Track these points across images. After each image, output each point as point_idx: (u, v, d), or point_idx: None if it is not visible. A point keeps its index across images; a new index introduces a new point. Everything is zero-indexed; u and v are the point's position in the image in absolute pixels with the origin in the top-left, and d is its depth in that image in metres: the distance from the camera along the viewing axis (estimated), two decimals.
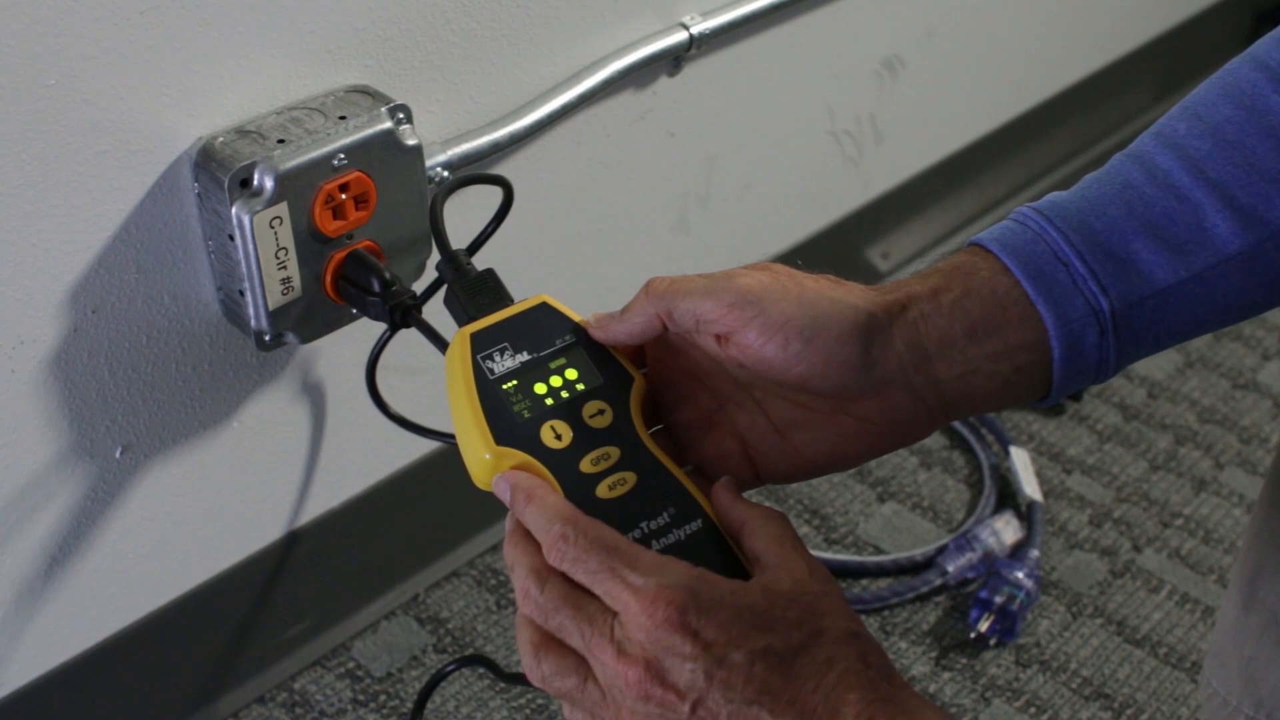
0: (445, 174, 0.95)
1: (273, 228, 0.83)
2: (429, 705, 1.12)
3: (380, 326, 0.88)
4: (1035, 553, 1.24)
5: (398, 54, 0.92)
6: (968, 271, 0.62)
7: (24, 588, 0.91)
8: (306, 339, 0.90)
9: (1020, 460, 1.35)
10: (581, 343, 0.64)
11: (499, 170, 1.02)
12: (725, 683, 0.52)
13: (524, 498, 0.58)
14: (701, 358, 0.64)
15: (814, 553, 1.11)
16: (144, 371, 0.89)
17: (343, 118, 0.86)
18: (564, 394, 0.62)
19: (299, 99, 0.88)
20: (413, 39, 0.93)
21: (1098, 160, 0.65)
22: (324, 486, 1.08)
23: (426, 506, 1.18)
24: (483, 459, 0.60)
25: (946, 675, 1.17)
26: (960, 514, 1.32)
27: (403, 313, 0.84)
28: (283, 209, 0.82)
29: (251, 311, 0.86)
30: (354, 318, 0.91)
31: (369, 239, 0.88)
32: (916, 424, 0.62)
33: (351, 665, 1.15)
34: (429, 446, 1.14)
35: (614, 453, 0.61)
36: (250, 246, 0.82)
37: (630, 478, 0.60)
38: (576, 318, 0.65)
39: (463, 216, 0.87)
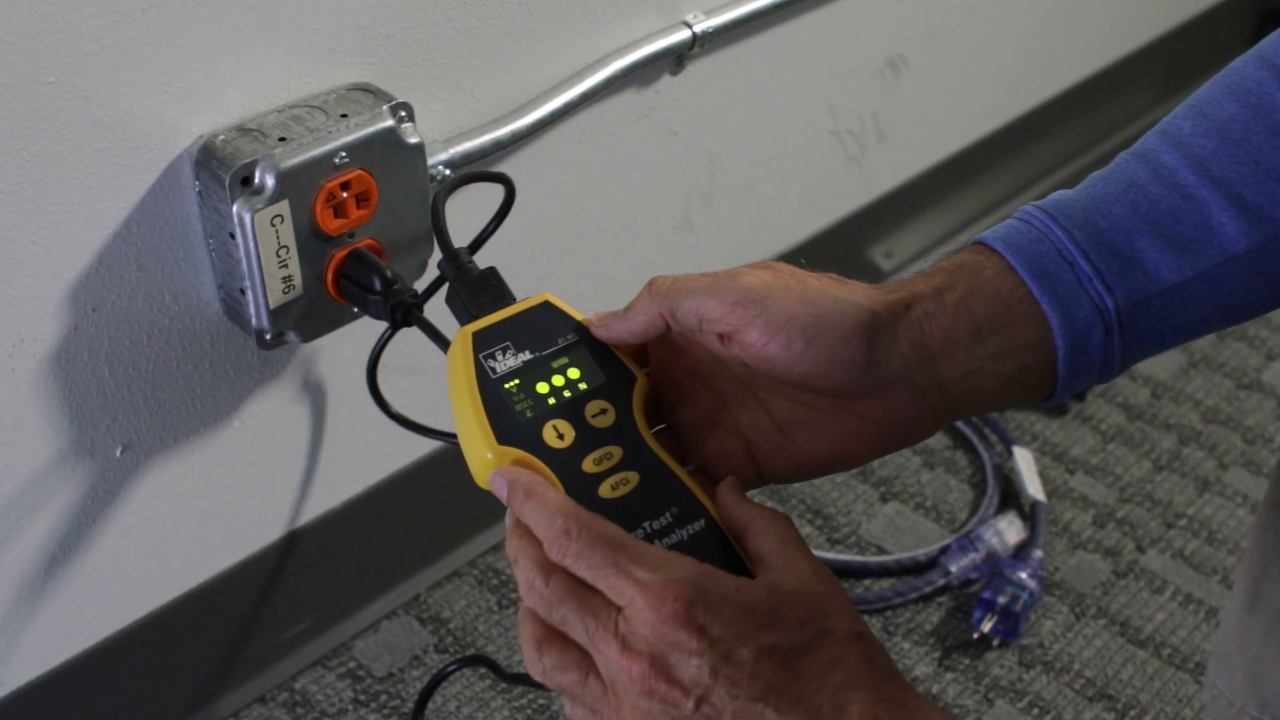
0: (447, 172, 0.95)
1: (274, 226, 0.82)
2: (430, 705, 1.11)
3: (381, 325, 0.88)
4: (1038, 553, 1.24)
5: (399, 52, 0.92)
6: (972, 270, 0.62)
7: (24, 587, 0.90)
8: (307, 338, 0.90)
9: (1023, 460, 1.34)
10: (584, 342, 0.64)
11: (501, 169, 1.01)
12: (730, 679, 0.52)
13: (523, 493, 0.58)
14: (704, 357, 0.64)
15: (816, 553, 1.10)
16: (145, 370, 0.89)
17: (344, 116, 0.85)
18: (566, 393, 0.62)
19: (300, 97, 0.87)
20: (415, 37, 0.92)
21: (1101, 160, 0.65)
22: (325, 486, 1.08)
23: (428, 506, 1.18)
24: (484, 458, 0.60)
25: (949, 676, 1.17)
26: (963, 514, 1.32)
27: (404, 311, 0.84)
28: (284, 207, 0.82)
29: (252, 310, 0.86)
30: (355, 316, 0.91)
31: (370, 237, 0.88)
32: (920, 424, 0.62)
33: (352, 665, 1.14)
34: (430, 446, 1.14)
35: (616, 452, 0.61)
36: (251, 245, 0.82)
37: (633, 477, 0.60)
38: (579, 316, 0.65)
39: (464, 215, 0.87)
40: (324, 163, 0.83)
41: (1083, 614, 1.23)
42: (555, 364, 0.63)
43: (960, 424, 1.39)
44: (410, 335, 0.86)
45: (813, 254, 1.41)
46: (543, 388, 0.62)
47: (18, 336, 0.81)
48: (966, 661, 1.18)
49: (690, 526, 0.59)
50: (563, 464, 0.60)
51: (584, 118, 1.08)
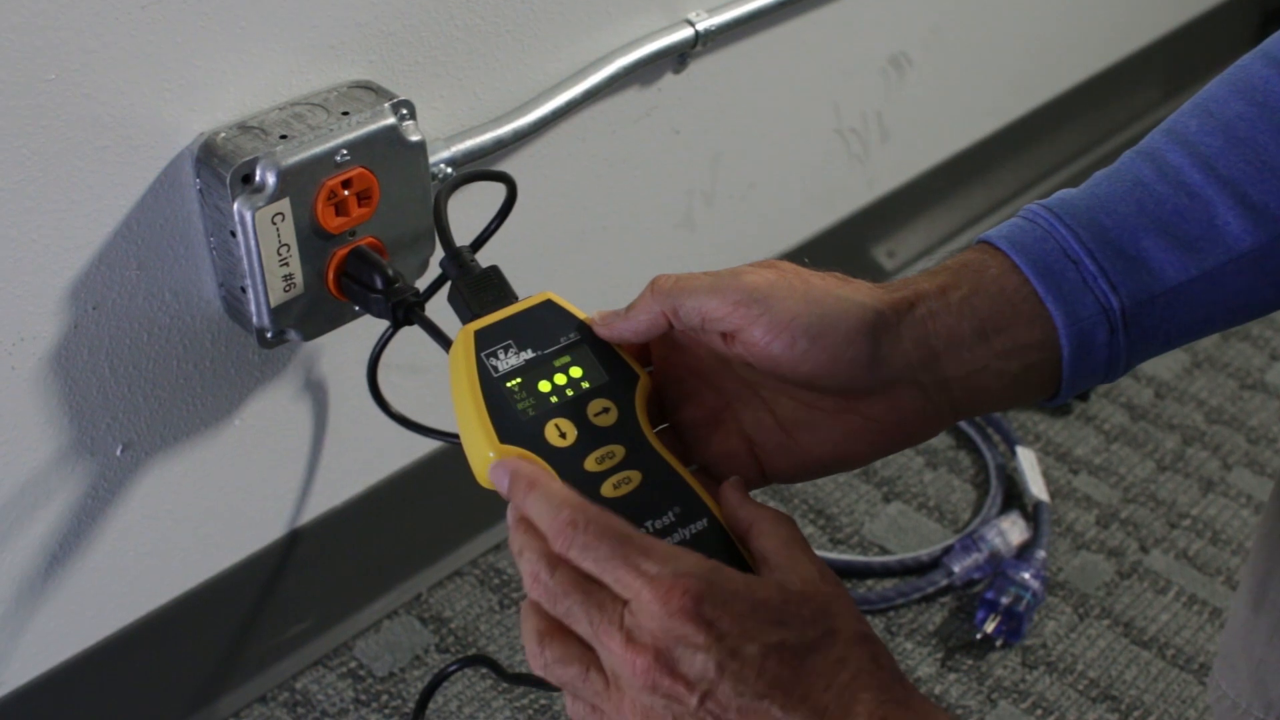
0: (448, 170, 0.94)
1: (275, 224, 0.82)
2: (431, 705, 1.11)
3: (382, 324, 0.88)
4: (1042, 553, 1.24)
5: (401, 49, 0.92)
6: (976, 269, 0.62)
7: (24, 586, 0.90)
8: (308, 336, 0.89)
9: (1027, 460, 1.34)
10: (586, 340, 0.64)
11: (503, 167, 1.01)
12: (737, 675, 0.52)
13: (525, 485, 0.57)
14: (707, 356, 0.64)
15: (819, 553, 1.10)
16: (145, 369, 0.89)
17: (345, 113, 0.85)
18: (568, 392, 0.62)
19: (302, 94, 0.87)
20: (416, 34, 0.92)
21: (1104, 159, 0.64)
22: (326, 485, 1.08)
23: (429, 505, 1.17)
24: (486, 457, 0.60)
25: (952, 676, 1.16)
26: (966, 514, 1.32)
27: (405, 310, 0.84)
28: (285, 205, 0.82)
29: (253, 308, 0.86)
30: (356, 315, 0.91)
31: (372, 235, 0.88)
32: (924, 423, 0.62)
33: (353, 665, 1.14)
34: (432, 445, 1.13)
35: (619, 451, 0.60)
36: (252, 243, 0.82)
37: (635, 476, 0.60)
38: (581, 315, 0.65)
39: (466, 214, 0.87)
40: (325, 160, 0.83)
41: (1086, 614, 1.22)
42: (557, 363, 0.62)
43: (963, 424, 1.39)
44: (411, 334, 0.86)
45: (815, 253, 1.41)
46: (545, 386, 0.62)
47: (18, 335, 0.81)
48: (969, 662, 1.18)
49: (693, 526, 0.59)
50: (565, 463, 0.59)
51: (586, 116, 1.08)
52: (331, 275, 0.87)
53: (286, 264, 0.84)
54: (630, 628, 0.53)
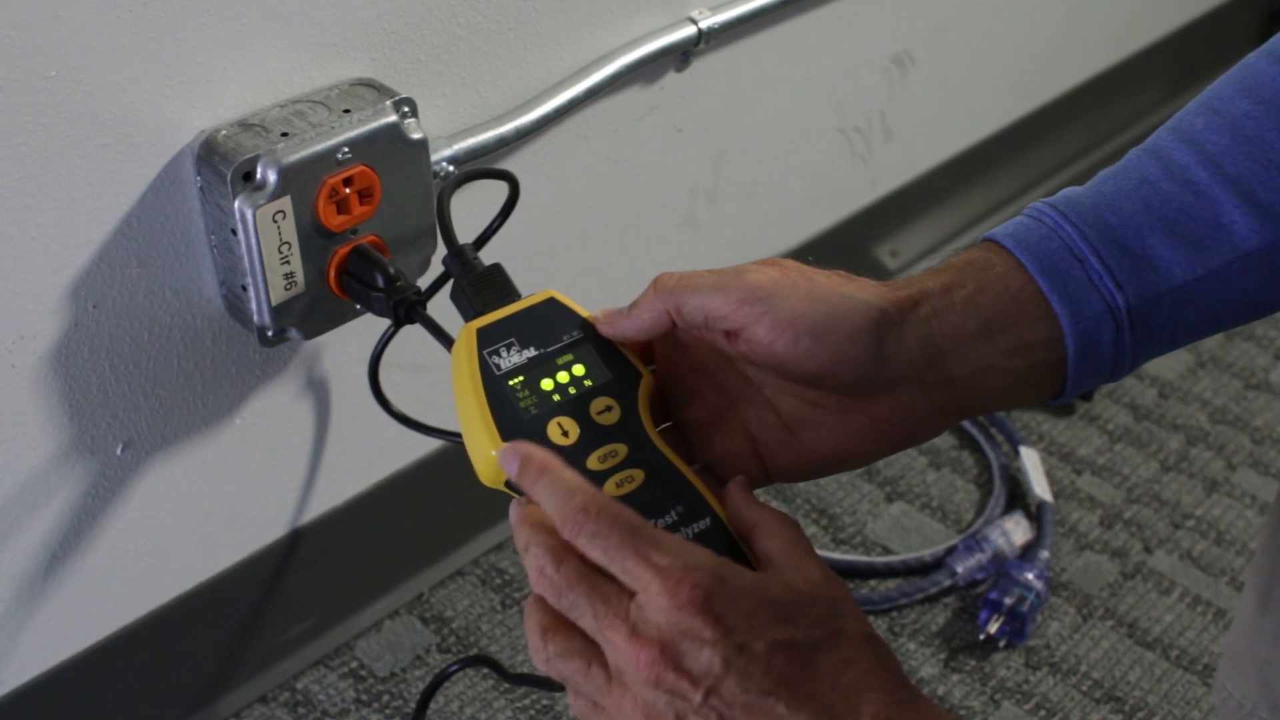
0: (450, 169, 0.94)
1: (276, 222, 0.82)
2: (432, 705, 1.11)
3: (384, 322, 0.87)
4: (1045, 554, 1.23)
5: (403, 47, 0.92)
6: (981, 267, 0.61)
7: (24, 585, 0.90)
8: (310, 335, 0.89)
9: (1030, 460, 1.34)
10: (589, 339, 0.64)
11: (505, 165, 1.01)
12: (743, 671, 0.51)
13: (536, 470, 0.56)
14: (711, 354, 0.63)
15: (821, 553, 1.10)
16: (145, 367, 0.88)
17: (347, 111, 0.85)
18: (571, 390, 0.62)
19: (303, 92, 0.87)
20: (418, 32, 0.92)
21: (1108, 158, 0.64)
22: (327, 484, 1.07)
23: (431, 505, 1.17)
24: (489, 456, 0.59)
25: (955, 677, 1.16)
26: (969, 514, 1.31)
27: (407, 309, 0.83)
28: (286, 203, 0.82)
29: (254, 307, 0.86)
30: (358, 313, 0.90)
31: (373, 234, 0.88)
32: (928, 422, 0.62)
33: (354, 665, 1.14)
34: (433, 444, 1.13)
35: (621, 450, 0.60)
36: (253, 241, 0.82)
37: (638, 475, 0.59)
38: (584, 313, 0.65)
39: (468, 212, 0.86)
40: (326, 158, 0.83)
41: (1090, 615, 1.22)
42: (560, 361, 0.62)
43: (967, 424, 1.38)
44: (413, 332, 0.85)
45: (818, 252, 1.41)
46: (547, 385, 0.61)
47: (18, 333, 0.81)
48: (973, 663, 1.17)
49: (695, 525, 0.58)
50: (567, 461, 0.59)
51: (589, 114, 1.08)
52: (333, 273, 0.86)
53: (288, 262, 0.84)
54: (635, 621, 0.52)
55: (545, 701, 1.12)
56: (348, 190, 0.84)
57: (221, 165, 0.81)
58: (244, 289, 0.85)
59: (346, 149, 0.83)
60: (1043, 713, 1.14)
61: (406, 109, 0.86)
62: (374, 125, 0.85)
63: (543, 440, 0.60)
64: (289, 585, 1.09)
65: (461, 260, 0.70)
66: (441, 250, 0.72)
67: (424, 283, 0.88)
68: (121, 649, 0.98)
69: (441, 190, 0.73)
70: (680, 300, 0.61)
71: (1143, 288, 0.60)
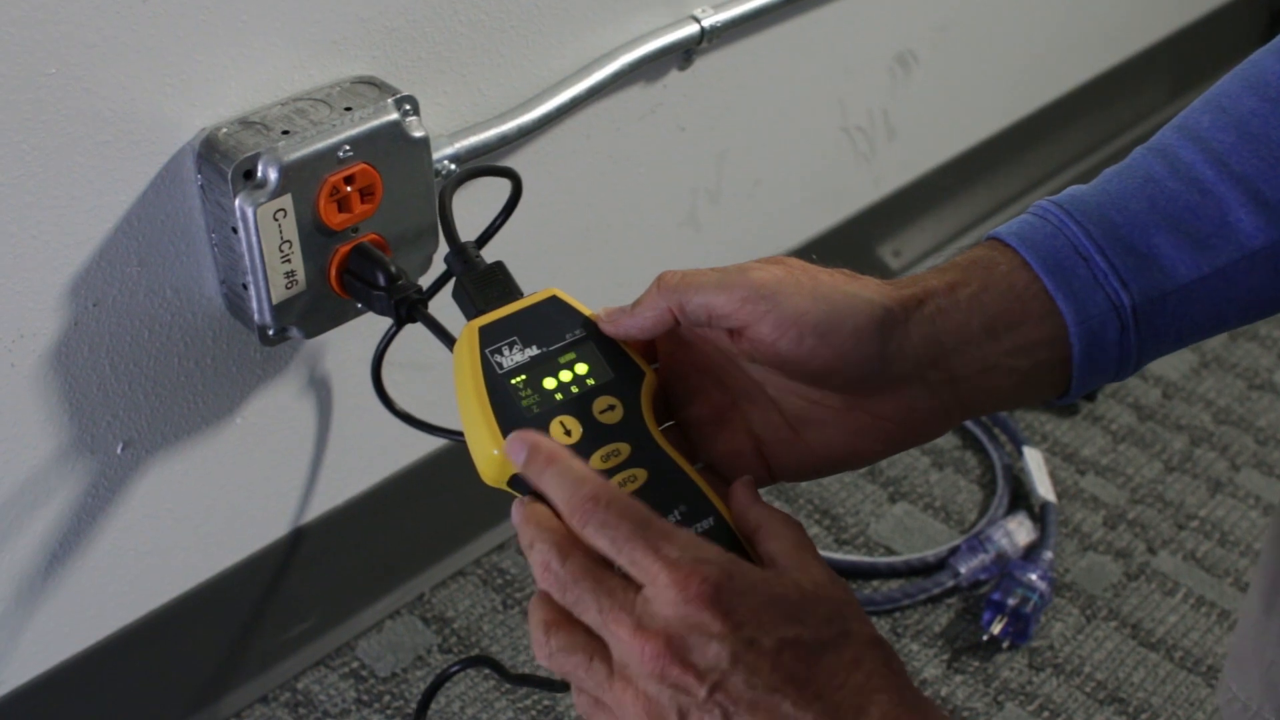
0: (452, 167, 0.94)
1: (276, 220, 0.81)
2: (433, 706, 1.11)
3: (385, 321, 0.87)
4: (1049, 554, 1.23)
5: (405, 45, 0.91)
6: (985, 266, 0.61)
7: (24, 585, 0.90)
8: (311, 334, 0.89)
9: (1033, 461, 1.33)
10: (592, 337, 0.63)
11: (506, 164, 1.01)
12: (750, 667, 0.51)
13: (544, 459, 0.56)
14: (714, 353, 0.63)
15: (824, 553, 1.09)
16: (146, 366, 0.88)
17: (348, 109, 0.85)
18: (574, 389, 0.61)
19: (304, 90, 0.87)
20: (420, 30, 0.92)
21: (1112, 157, 0.64)
22: (328, 484, 1.07)
23: (433, 504, 1.17)
24: (491, 455, 0.59)
25: (958, 678, 1.16)
26: (973, 515, 1.31)
27: (408, 307, 0.83)
28: (287, 201, 0.81)
29: (255, 305, 0.85)
30: (359, 312, 0.90)
31: (374, 232, 0.87)
32: (932, 421, 0.61)
33: (355, 665, 1.14)
34: (435, 443, 1.13)
35: (624, 449, 0.60)
36: (254, 239, 0.81)
37: (640, 474, 0.59)
38: (587, 312, 0.64)
39: (469, 210, 0.86)
40: (327, 156, 0.82)
41: (1093, 616, 1.21)
42: (563, 359, 0.62)
43: (970, 424, 1.38)
44: (416, 331, 0.85)
45: (821, 251, 1.41)
46: (550, 383, 0.61)
47: (17, 332, 0.81)
48: (976, 664, 1.17)
49: (699, 525, 0.58)
50: None
51: (591, 113, 1.07)
52: (334, 272, 0.86)
53: (288, 260, 0.84)
54: (641, 614, 0.52)
55: (546, 702, 1.12)
56: (349, 188, 0.84)
57: (222, 163, 0.80)
58: (245, 287, 0.85)
59: (348, 147, 0.83)
60: (1046, 714, 1.13)
61: (408, 107, 0.86)
62: (375, 123, 0.84)
63: None
64: (290, 585, 1.09)
65: (463, 258, 0.70)
66: (443, 248, 0.72)
67: (425, 281, 0.87)
68: (121, 649, 0.98)
69: (443, 188, 0.73)
70: (683, 298, 0.60)
71: (1148, 286, 0.60)
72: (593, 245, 1.16)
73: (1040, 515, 1.28)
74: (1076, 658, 1.18)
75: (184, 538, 0.98)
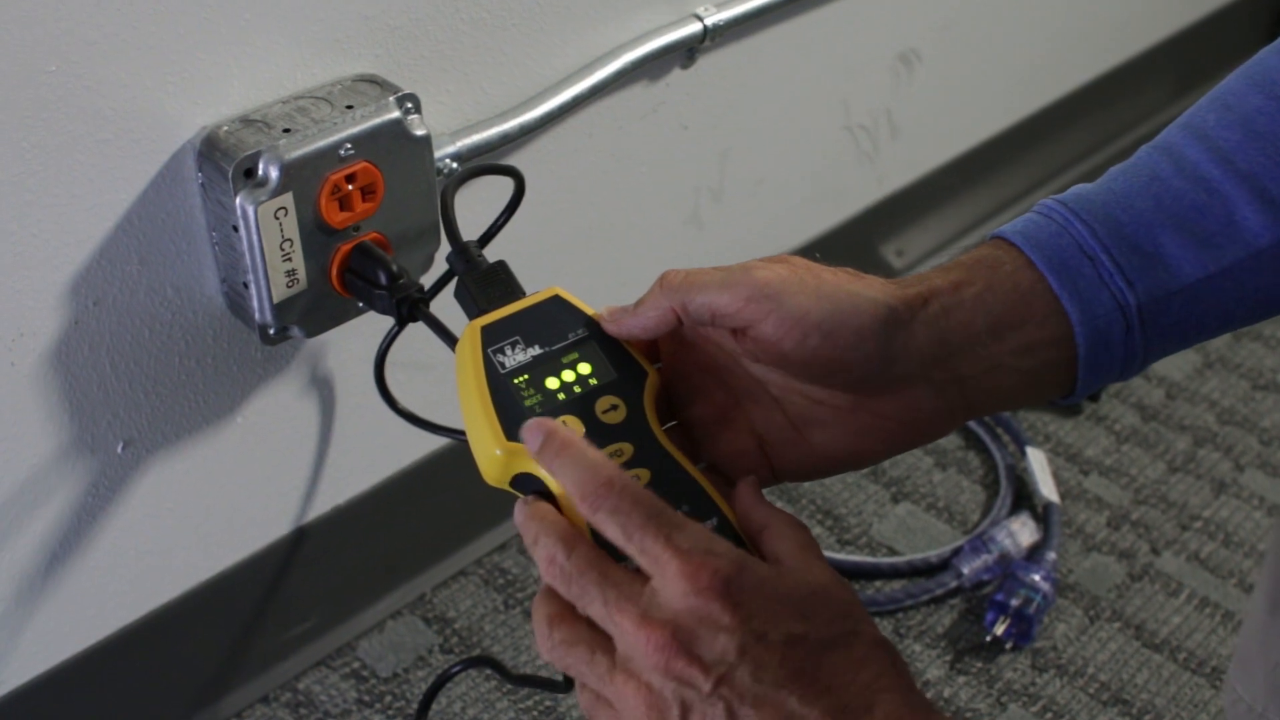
0: (454, 166, 0.94)
1: (278, 219, 0.81)
2: (434, 706, 1.10)
3: (387, 320, 0.87)
4: (1052, 555, 1.23)
5: (406, 43, 0.91)
6: (990, 265, 0.61)
7: (24, 584, 0.90)
8: (312, 333, 0.89)
9: (1037, 461, 1.33)
10: (594, 337, 0.63)
11: (508, 163, 1.00)
12: (758, 661, 0.50)
13: (559, 445, 0.56)
14: (717, 353, 0.63)
15: (826, 554, 1.09)
16: (146, 365, 0.88)
17: (350, 107, 0.84)
18: (576, 389, 0.61)
19: (305, 88, 0.86)
20: (422, 28, 0.91)
21: (1115, 157, 0.64)
22: (330, 483, 1.07)
23: (434, 504, 1.17)
24: (493, 455, 0.59)
25: (962, 679, 1.15)
26: (976, 515, 1.31)
27: (410, 306, 0.83)
28: (288, 200, 0.81)
29: (256, 304, 0.85)
30: (361, 311, 0.90)
31: (376, 231, 0.87)
32: (937, 421, 0.61)
33: (357, 665, 1.13)
34: (437, 443, 1.13)
35: (627, 449, 0.59)
36: (255, 238, 0.81)
37: (644, 475, 0.59)
38: (589, 311, 0.64)
39: (471, 210, 0.86)
40: (329, 155, 0.82)
41: (1097, 617, 1.21)
42: (565, 359, 0.62)
43: (973, 424, 1.38)
44: (418, 329, 0.85)
45: (824, 251, 1.41)
46: (552, 383, 0.61)
47: (17, 330, 0.80)
48: (979, 664, 1.17)
49: (703, 524, 0.57)
50: None
51: (593, 111, 1.07)
52: (335, 271, 0.86)
53: (289, 259, 0.83)
54: (648, 605, 0.51)
55: (548, 703, 1.11)
56: (350, 187, 0.84)
57: (223, 161, 0.80)
58: (245, 286, 0.84)
59: (349, 145, 0.83)
60: (1050, 715, 1.13)
61: (410, 105, 0.86)
62: (377, 121, 0.84)
63: None
64: (291, 585, 1.08)
65: (465, 257, 0.70)
66: (445, 247, 0.72)
67: (427, 280, 0.87)
68: (122, 649, 0.98)
69: (445, 187, 0.73)
70: (686, 298, 0.60)
71: (1154, 286, 0.60)
72: (595, 244, 1.16)
73: (1043, 516, 1.28)
74: (1080, 659, 1.17)
75: (184, 537, 0.98)
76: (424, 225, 0.90)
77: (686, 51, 1.11)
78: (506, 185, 0.75)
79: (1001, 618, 1.17)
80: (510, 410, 0.59)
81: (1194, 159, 0.61)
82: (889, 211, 1.49)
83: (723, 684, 0.50)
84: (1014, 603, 1.17)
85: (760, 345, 0.59)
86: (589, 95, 1.03)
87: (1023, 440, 1.36)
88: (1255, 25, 1.95)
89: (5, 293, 0.79)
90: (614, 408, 0.61)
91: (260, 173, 0.80)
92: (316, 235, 0.84)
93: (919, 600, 1.21)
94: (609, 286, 1.18)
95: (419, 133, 0.86)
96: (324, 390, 1.01)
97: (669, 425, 0.63)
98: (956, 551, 1.24)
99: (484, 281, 0.67)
